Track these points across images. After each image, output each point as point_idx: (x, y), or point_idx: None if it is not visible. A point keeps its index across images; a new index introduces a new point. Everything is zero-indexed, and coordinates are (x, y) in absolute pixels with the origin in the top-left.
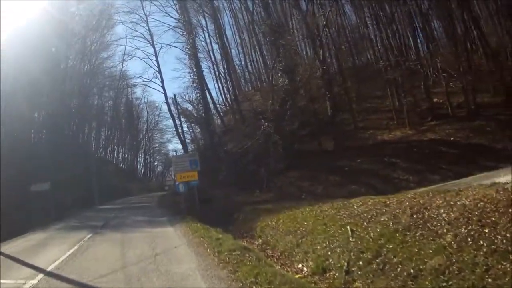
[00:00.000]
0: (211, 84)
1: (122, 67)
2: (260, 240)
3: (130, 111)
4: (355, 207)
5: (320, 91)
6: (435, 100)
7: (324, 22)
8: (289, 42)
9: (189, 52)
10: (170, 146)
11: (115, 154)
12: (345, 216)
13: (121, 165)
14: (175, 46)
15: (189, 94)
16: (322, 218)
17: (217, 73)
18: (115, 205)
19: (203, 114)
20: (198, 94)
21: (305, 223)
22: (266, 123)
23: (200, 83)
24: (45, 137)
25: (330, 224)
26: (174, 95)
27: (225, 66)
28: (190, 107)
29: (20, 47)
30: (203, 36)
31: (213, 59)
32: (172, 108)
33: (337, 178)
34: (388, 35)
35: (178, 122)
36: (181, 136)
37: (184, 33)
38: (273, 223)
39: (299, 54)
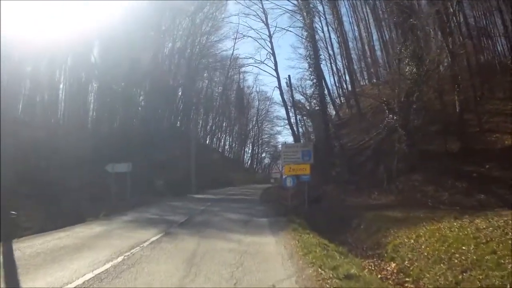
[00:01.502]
0: (326, 75)
1: (234, 46)
2: (393, 265)
3: (241, 99)
4: None
5: (448, 84)
6: None
7: (455, 7)
8: (419, 24)
9: (306, 35)
10: (280, 138)
11: (222, 142)
12: None
13: (227, 154)
14: (290, 31)
15: (302, 86)
16: (486, 242)
17: (333, 65)
18: (213, 195)
19: (318, 103)
20: (314, 82)
21: (462, 247)
22: (390, 115)
23: (316, 66)
24: (142, 118)
25: (503, 253)
26: (289, 76)
27: (343, 54)
28: (303, 100)
29: (119, 22)
30: (319, 25)
31: (330, 51)
32: (286, 96)
33: (464, 185)
34: None
35: (290, 108)
36: (292, 125)
37: (301, 17)
38: (411, 240)
39: (430, 36)
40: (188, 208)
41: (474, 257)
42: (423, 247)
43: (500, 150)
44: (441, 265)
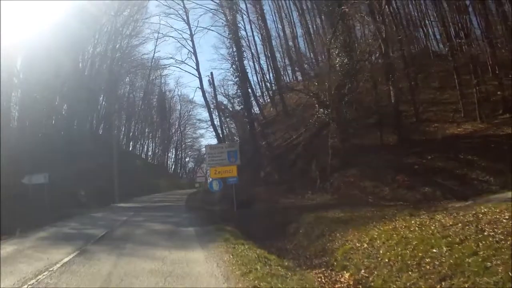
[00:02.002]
0: (250, 75)
1: (155, 48)
2: (347, 275)
3: (163, 103)
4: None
5: (381, 75)
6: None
7: None
8: (351, 11)
9: (228, 32)
10: (203, 141)
11: (145, 149)
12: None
13: (151, 160)
14: (212, 30)
15: (224, 87)
16: (461, 241)
17: (256, 64)
18: (137, 203)
19: (242, 101)
20: (237, 80)
21: (432, 249)
22: (321, 109)
23: (239, 62)
24: (63, 126)
25: (487, 253)
26: (211, 73)
27: (267, 51)
28: (225, 101)
29: (40, 29)
30: (242, 24)
31: (252, 50)
32: (208, 97)
33: (406, 178)
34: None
35: (213, 109)
36: (216, 127)
37: (223, 15)
38: (364, 244)
39: (362, 24)
40: (109, 220)
41: (451, 261)
42: (381, 252)
43: (442, 140)
44: (410, 273)
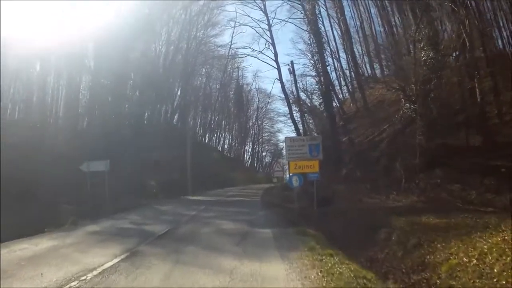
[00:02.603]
0: (329, 70)
1: (232, 38)
2: None
3: (240, 96)
4: None
5: (465, 72)
6: None
7: None
8: (435, 3)
9: (307, 23)
10: (281, 136)
11: (221, 141)
12: None
13: (227, 153)
14: (290, 22)
15: (302, 83)
16: None
17: (335, 60)
18: (210, 196)
19: (322, 94)
20: (318, 72)
21: None
22: (407, 104)
23: (320, 54)
24: (133, 114)
25: None
26: (291, 62)
27: (346, 47)
28: (303, 97)
29: (111, 16)
30: (320, 19)
31: (331, 46)
32: (288, 89)
33: (493, 182)
34: None
35: (292, 102)
36: (295, 119)
37: (301, 8)
38: (473, 260)
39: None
40: (176, 214)
41: None
42: (495, 270)
43: None
44: None
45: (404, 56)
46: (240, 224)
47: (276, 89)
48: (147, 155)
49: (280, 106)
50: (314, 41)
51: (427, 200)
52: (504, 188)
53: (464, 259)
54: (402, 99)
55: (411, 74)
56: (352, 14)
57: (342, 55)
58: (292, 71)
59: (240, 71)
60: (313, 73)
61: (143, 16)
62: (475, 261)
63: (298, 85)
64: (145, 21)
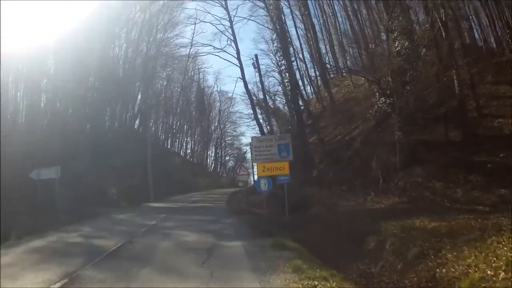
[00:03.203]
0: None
1: (193, 37)
2: None
3: (202, 99)
4: None
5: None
6: None
7: None
8: None
9: (272, 16)
10: (244, 140)
11: (184, 146)
12: None
13: (190, 157)
14: (252, 20)
15: (265, 84)
16: None
17: (298, 59)
18: (173, 202)
19: (290, 90)
20: (282, 68)
21: None
22: (382, 98)
23: (284, 49)
24: (90, 118)
25: None
26: (256, 56)
27: (311, 43)
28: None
29: (66, 18)
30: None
31: (294, 45)
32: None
33: (479, 179)
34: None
35: (256, 103)
36: (259, 120)
37: (263, 5)
38: (500, 272)
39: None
40: (133, 224)
41: None
42: None
43: (510, 136)
44: None
45: (377, 47)
46: (205, 235)
47: (239, 88)
48: (107, 161)
49: (243, 109)
50: (277, 38)
51: (409, 200)
52: (491, 185)
53: (488, 272)
54: (377, 93)
55: (385, 65)
56: (316, 11)
57: (306, 55)
58: (257, 65)
59: (201, 73)
60: (276, 74)
61: (100, 18)
62: (503, 273)
63: (259, 86)
64: (103, 23)
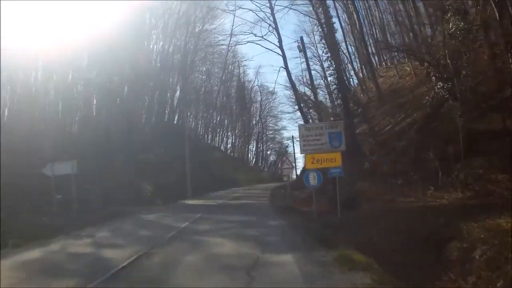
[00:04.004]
0: None
1: (233, 26)
2: None
3: (242, 94)
4: None
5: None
6: None
7: None
8: None
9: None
10: (285, 134)
11: (224, 140)
12: None
13: (231, 152)
14: (293, 9)
15: (306, 77)
16: None
17: (344, 49)
18: (211, 199)
19: (336, 80)
20: (327, 56)
21: None
22: (439, 83)
23: (330, 36)
24: (124, 112)
25: None
26: (301, 38)
27: (355, 30)
28: (308, 92)
29: (103, 15)
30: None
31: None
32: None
33: None
34: None
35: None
36: (303, 110)
37: None
38: None
39: None
40: (160, 227)
41: None
42: None
43: None
44: None
45: (433, 27)
46: (245, 244)
47: (282, 78)
48: (143, 157)
49: (284, 102)
50: (319, 24)
51: (475, 195)
52: None
53: None
54: (433, 77)
55: (441, 48)
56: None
57: (349, 48)
58: (303, 48)
59: (241, 67)
60: (318, 66)
61: (134, 10)
62: None
63: (302, 80)
64: (137, 14)
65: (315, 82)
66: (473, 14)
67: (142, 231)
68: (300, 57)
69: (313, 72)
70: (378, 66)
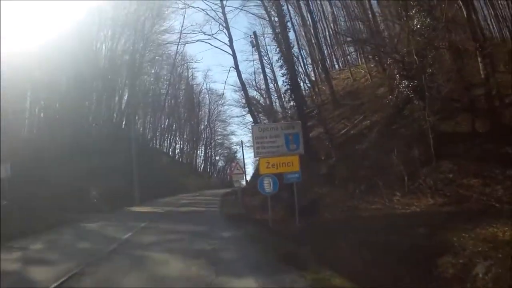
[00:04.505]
0: None
1: (183, 23)
2: None
3: (191, 97)
4: None
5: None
6: None
7: None
8: None
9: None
10: (234, 139)
11: (172, 145)
12: None
13: (179, 157)
14: (245, 10)
15: (256, 80)
16: None
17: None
18: (158, 206)
19: (289, 80)
20: (280, 55)
21: None
22: (404, 82)
23: (283, 33)
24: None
25: None
26: (254, 33)
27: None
28: (257, 96)
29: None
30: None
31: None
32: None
33: None
34: None
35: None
36: (254, 112)
37: None
38: None
39: None
40: (102, 238)
41: None
42: None
43: None
44: None
45: (395, 24)
46: (196, 262)
47: (231, 79)
48: (88, 160)
49: (233, 105)
50: (270, 24)
51: (447, 201)
52: None
53: None
54: (397, 75)
55: (405, 45)
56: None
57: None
58: (256, 43)
59: (190, 70)
60: (268, 70)
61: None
62: None
63: (251, 83)
64: (82, 13)
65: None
66: (438, 11)
67: (81, 243)
68: (252, 54)
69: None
70: (331, 68)
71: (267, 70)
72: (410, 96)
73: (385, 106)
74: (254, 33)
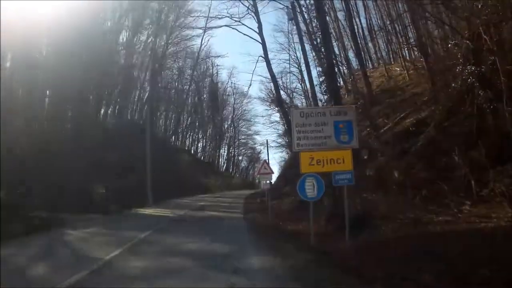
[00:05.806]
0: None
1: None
2: None
3: (215, 95)
4: None
5: None
6: None
7: None
8: None
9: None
10: (258, 139)
11: (194, 144)
12: None
13: (201, 156)
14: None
15: (283, 80)
16: None
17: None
18: (172, 208)
19: (327, 68)
20: (319, 43)
21: None
22: (468, 68)
23: (321, 18)
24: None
25: None
26: (292, 3)
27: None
28: (284, 96)
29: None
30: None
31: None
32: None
33: None
34: None
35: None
36: (283, 106)
37: None
38: None
39: None
40: (74, 258)
41: None
42: None
43: None
44: None
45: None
46: None
47: (260, 68)
48: (98, 156)
49: (257, 103)
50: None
51: None
52: None
53: None
54: (461, 60)
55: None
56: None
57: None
58: (293, 15)
59: (214, 67)
60: (295, 69)
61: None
62: None
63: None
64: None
65: (291, 86)
66: None
67: (40, 264)
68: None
69: (289, 76)
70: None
71: (295, 70)
72: (475, 84)
73: (440, 99)
74: (292, 3)
